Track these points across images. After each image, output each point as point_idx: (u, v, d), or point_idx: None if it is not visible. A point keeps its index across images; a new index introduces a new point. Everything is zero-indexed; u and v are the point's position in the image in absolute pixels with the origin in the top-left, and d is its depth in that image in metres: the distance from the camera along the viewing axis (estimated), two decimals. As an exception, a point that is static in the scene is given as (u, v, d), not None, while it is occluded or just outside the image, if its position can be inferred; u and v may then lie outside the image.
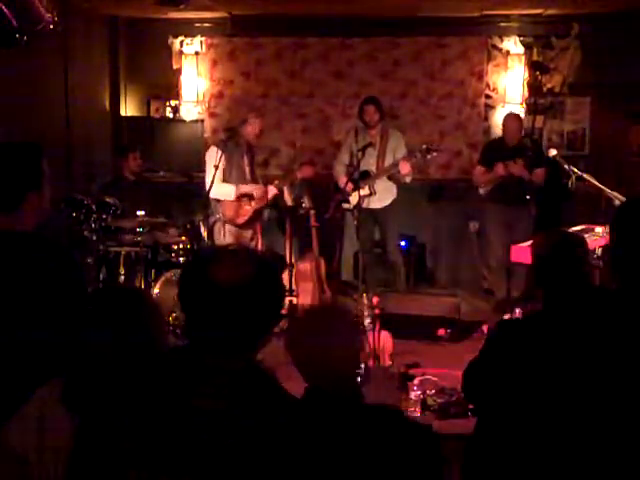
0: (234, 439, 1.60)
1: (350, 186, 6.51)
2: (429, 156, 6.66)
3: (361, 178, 6.58)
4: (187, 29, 8.06)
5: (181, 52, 8.09)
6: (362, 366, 4.87)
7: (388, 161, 6.78)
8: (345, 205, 6.55)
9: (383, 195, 6.81)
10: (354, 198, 6.45)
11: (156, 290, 5.52)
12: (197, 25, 8.06)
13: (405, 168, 6.60)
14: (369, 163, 6.70)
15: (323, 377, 2.18)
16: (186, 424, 1.63)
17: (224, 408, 1.62)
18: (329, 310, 2.45)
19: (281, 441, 1.62)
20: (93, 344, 2.08)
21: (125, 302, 2.21)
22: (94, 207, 5.70)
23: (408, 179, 6.78)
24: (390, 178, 6.82)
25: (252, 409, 1.62)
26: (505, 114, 7.21)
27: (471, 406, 4.24)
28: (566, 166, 5.47)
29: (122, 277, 5.73)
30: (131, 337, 2.11)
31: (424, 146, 6.63)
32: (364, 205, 6.49)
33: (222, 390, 1.63)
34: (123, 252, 5.82)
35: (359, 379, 2.55)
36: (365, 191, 6.58)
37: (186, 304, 1.76)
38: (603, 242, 5.13)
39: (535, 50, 7.88)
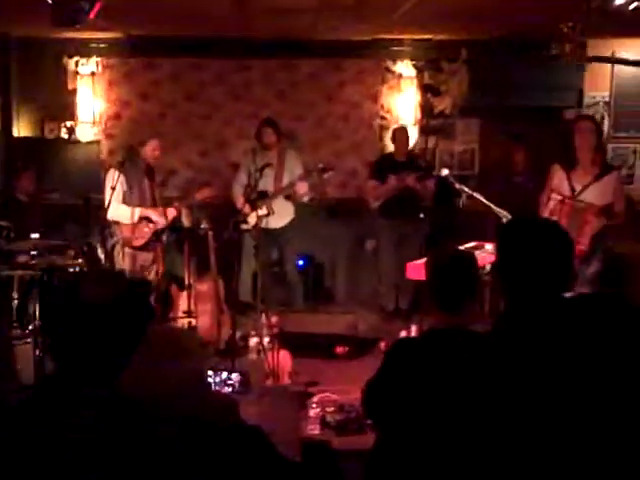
0: (103, 471, 1.59)
1: (248, 206, 6.56)
2: (325, 175, 6.79)
3: (259, 198, 6.65)
4: (82, 49, 7.95)
5: (76, 72, 7.97)
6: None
7: (286, 181, 6.87)
8: (244, 226, 6.59)
9: (281, 215, 6.89)
10: (252, 218, 6.51)
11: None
12: (93, 45, 7.96)
13: (302, 188, 6.71)
14: (267, 183, 6.75)
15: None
16: (56, 457, 1.60)
17: (93, 439, 1.60)
18: (164, 335, 2.40)
19: (152, 472, 1.62)
20: None
21: None
22: (-16, 230, 5.57)
23: (306, 199, 6.89)
24: (288, 198, 6.90)
25: (119, 440, 1.62)
26: (392, 128, 7.52)
27: (369, 422, 4.34)
28: (457, 185, 5.68)
29: (15, 301, 5.59)
30: None
31: (320, 165, 6.76)
32: (262, 225, 6.55)
33: (90, 421, 1.62)
34: (16, 276, 5.69)
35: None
36: (263, 211, 6.62)
37: (50, 326, 1.74)
38: (493, 259, 5.34)
39: (426, 73, 8.13)
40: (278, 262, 7.30)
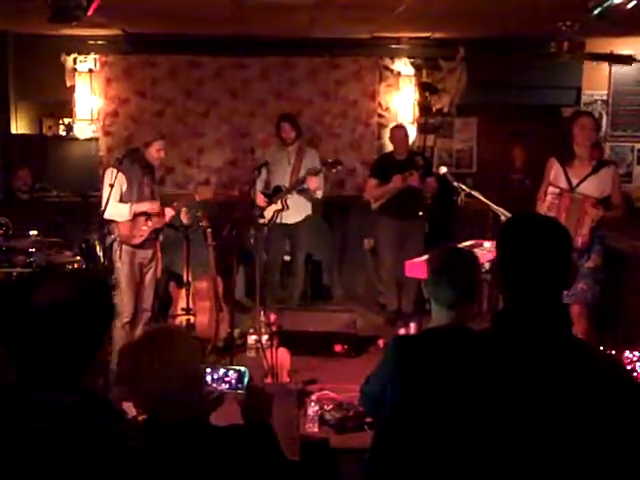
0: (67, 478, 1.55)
1: (264, 200, 6.68)
2: (334, 170, 6.85)
3: (274, 193, 6.74)
4: (80, 46, 7.95)
5: (74, 69, 7.97)
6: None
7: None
8: (261, 220, 6.68)
9: (297, 211, 6.95)
10: (269, 213, 6.63)
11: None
12: (91, 42, 7.95)
13: (312, 183, 6.76)
14: (283, 179, 6.88)
15: (158, 405, 2.21)
16: (13, 465, 1.55)
17: (55, 446, 1.55)
18: (159, 336, 2.37)
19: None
20: None
21: None
22: (-17, 227, 5.57)
23: (319, 194, 6.95)
24: (301, 193, 6.93)
25: (87, 445, 1.57)
26: (390, 127, 7.51)
27: (368, 420, 4.35)
28: (455, 183, 5.68)
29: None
30: None
31: (329, 160, 6.80)
32: (278, 220, 6.64)
33: (53, 427, 1.56)
34: (15, 273, 5.69)
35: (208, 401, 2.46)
36: (278, 206, 6.72)
37: (6, 333, 1.65)
38: (491, 256, 5.35)
39: (424, 71, 8.14)
40: (290, 257, 7.34)
